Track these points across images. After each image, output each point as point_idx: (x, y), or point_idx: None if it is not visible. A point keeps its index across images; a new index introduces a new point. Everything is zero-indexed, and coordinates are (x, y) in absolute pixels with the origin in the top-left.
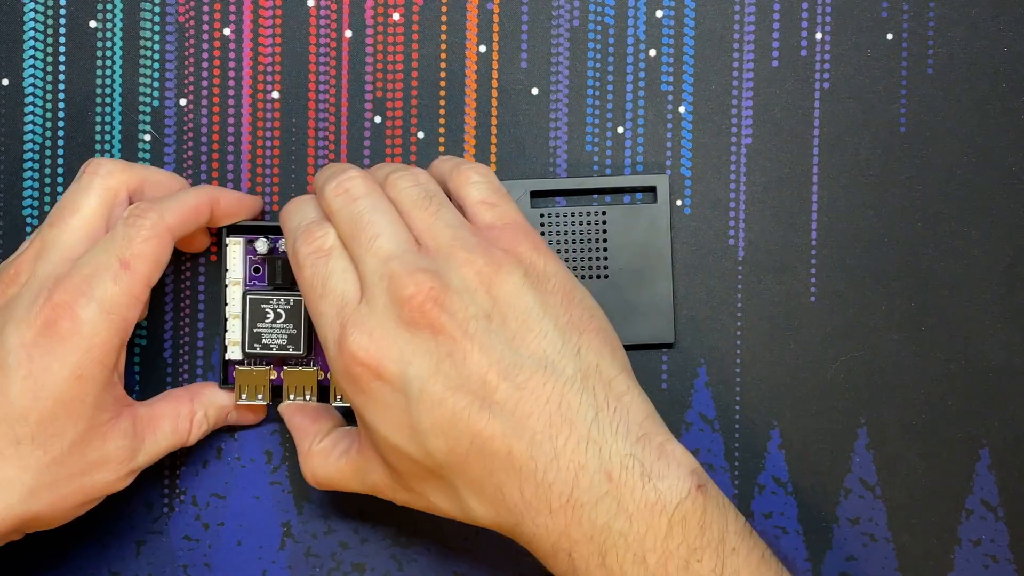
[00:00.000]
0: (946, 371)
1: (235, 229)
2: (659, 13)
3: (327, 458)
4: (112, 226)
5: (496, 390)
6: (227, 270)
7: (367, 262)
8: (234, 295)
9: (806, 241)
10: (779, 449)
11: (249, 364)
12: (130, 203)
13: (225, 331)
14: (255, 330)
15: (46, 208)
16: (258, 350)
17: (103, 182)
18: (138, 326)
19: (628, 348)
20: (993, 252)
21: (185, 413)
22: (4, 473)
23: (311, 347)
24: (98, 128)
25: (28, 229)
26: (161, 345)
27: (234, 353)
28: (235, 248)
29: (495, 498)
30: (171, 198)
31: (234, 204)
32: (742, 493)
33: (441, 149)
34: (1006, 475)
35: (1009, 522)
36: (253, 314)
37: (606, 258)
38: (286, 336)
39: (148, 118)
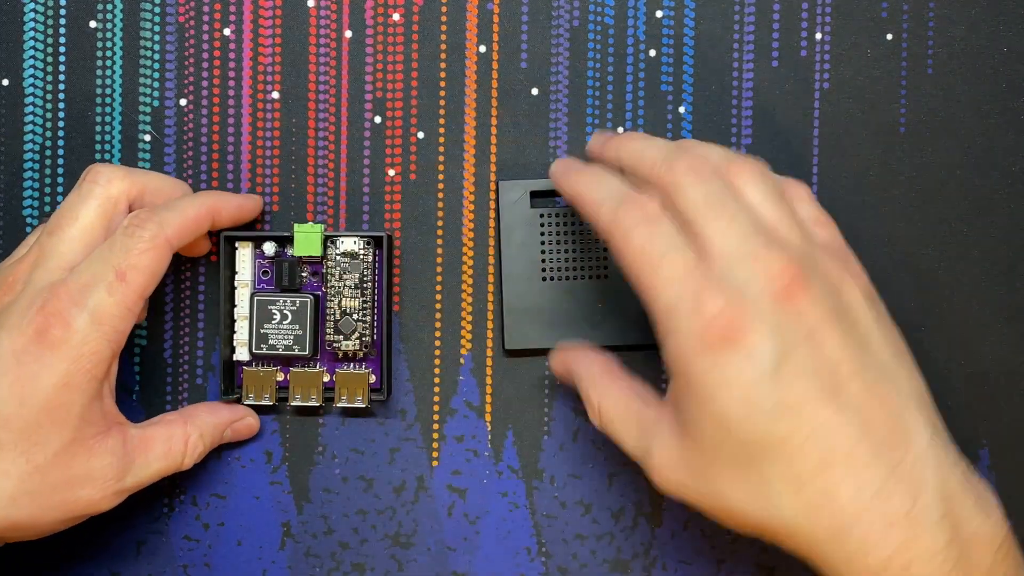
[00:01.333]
0: (946, 371)
1: (232, 234)
2: (659, 13)
3: (625, 392)
4: (111, 233)
5: (848, 383)
6: (236, 272)
7: (727, 236)
8: (242, 297)
9: None
10: None
11: (256, 365)
12: (130, 210)
13: (232, 332)
14: (262, 331)
15: (46, 208)
16: (264, 351)
17: (103, 191)
18: (138, 326)
19: (627, 349)
20: (993, 252)
21: (178, 435)
22: None
23: (317, 348)
24: (98, 128)
25: (28, 229)
26: (161, 345)
27: (242, 354)
28: (244, 251)
29: (821, 497)
30: (172, 208)
31: (235, 212)
32: None
33: (441, 149)
34: (1006, 475)
35: (1009, 522)
36: (260, 315)
37: (606, 258)
38: (292, 337)
39: (148, 118)
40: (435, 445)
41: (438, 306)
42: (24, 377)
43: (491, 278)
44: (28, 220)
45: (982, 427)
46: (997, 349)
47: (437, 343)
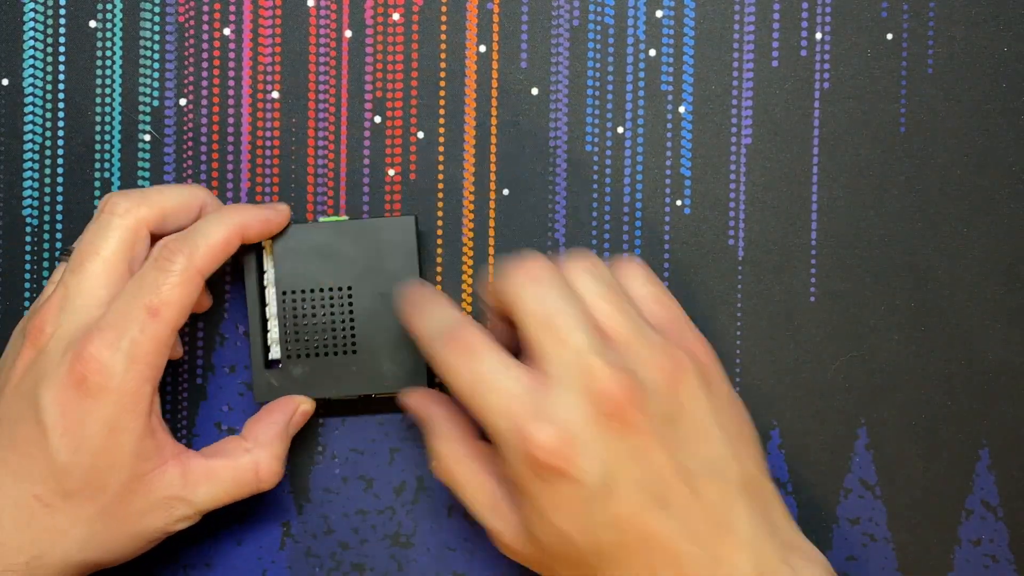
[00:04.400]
0: (946, 371)
1: None
2: (659, 13)
3: (475, 457)
4: (135, 264)
5: (672, 490)
6: (264, 271)
7: (559, 354)
8: (271, 296)
9: (806, 241)
10: (779, 449)
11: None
12: (152, 237)
13: (266, 332)
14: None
15: (46, 208)
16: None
17: (122, 221)
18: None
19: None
20: (993, 252)
21: (246, 466)
22: (59, 524)
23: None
24: (98, 128)
25: (28, 229)
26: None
27: (275, 353)
28: (268, 249)
29: None
30: (199, 234)
31: (262, 228)
32: None
33: (441, 149)
34: (1006, 475)
35: (1009, 522)
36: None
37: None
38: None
39: (148, 118)
40: None
41: None
42: (72, 427)
43: (491, 279)
44: (28, 220)
45: (982, 427)
46: (997, 349)
47: None
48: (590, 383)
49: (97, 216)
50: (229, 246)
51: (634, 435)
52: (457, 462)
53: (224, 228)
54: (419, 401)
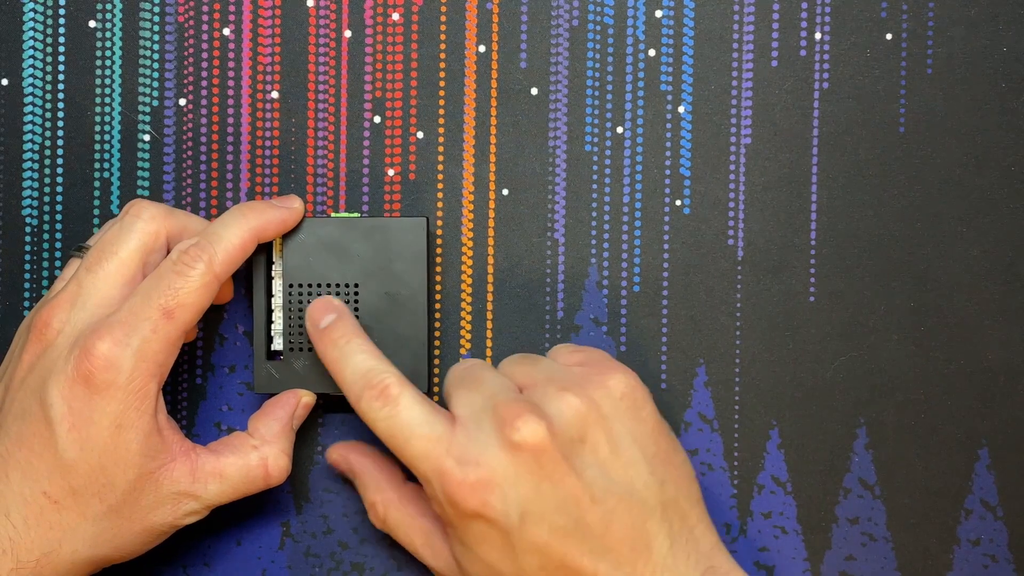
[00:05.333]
0: (946, 371)
1: None
2: (658, 13)
3: (409, 500)
4: (148, 269)
5: (588, 512)
6: (273, 263)
7: (472, 400)
8: (278, 288)
9: (805, 241)
10: (778, 449)
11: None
12: (168, 248)
13: (270, 323)
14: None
15: (45, 208)
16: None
17: (145, 226)
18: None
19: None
20: (993, 252)
21: (255, 463)
22: (68, 521)
23: None
24: (98, 128)
25: (28, 229)
26: None
27: (277, 344)
28: (278, 242)
29: None
30: (219, 240)
31: (278, 230)
32: (741, 493)
33: (440, 149)
34: (1005, 475)
35: (1008, 522)
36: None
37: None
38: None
39: (148, 118)
40: None
41: (437, 307)
42: (79, 423)
43: (491, 278)
44: (28, 220)
45: (982, 427)
46: (997, 349)
47: (436, 343)
48: (498, 417)
49: (121, 218)
50: (247, 251)
51: (546, 461)
52: (389, 508)
53: (242, 232)
54: (341, 455)
